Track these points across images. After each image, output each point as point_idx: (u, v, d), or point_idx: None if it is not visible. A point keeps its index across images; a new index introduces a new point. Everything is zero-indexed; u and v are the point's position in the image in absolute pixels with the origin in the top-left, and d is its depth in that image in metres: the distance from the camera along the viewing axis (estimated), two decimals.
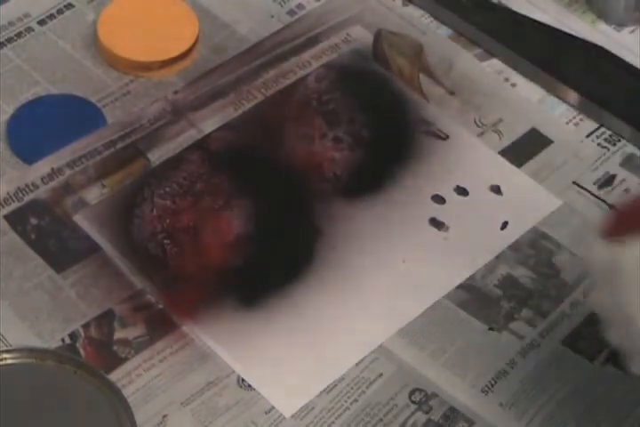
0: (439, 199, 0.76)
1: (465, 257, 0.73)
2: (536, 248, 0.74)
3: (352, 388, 0.68)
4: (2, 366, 0.63)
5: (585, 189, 0.78)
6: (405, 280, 0.72)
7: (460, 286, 0.72)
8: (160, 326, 0.69)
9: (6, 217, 0.72)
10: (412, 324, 0.70)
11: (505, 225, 0.75)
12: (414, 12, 0.86)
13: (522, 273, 0.73)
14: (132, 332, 0.69)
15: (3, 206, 0.73)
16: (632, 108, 0.81)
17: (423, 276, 0.72)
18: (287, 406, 0.67)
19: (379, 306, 0.71)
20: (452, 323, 0.71)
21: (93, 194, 0.74)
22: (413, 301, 0.71)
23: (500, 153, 0.79)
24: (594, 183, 0.78)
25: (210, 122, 0.78)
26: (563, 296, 0.72)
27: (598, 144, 0.80)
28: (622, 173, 0.79)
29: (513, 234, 0.75)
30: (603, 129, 0.81)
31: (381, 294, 0.71)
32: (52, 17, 0.83)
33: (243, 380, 0.67)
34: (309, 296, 0.71)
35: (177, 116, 0.78)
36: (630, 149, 0.80)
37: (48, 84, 0.79)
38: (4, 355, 0.64)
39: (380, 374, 0.69)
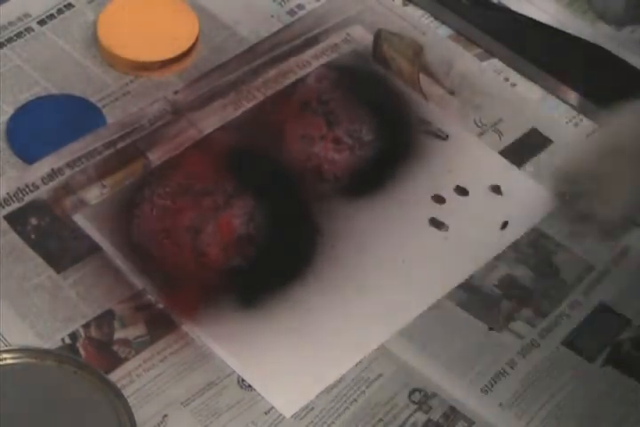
0: (439, 199, 0.76)
1: (465, 257, 0.73)
2: (536, 248, 0.74)
3: (352, 388, 0.68)
4: (2, 366, 0.64)
5: None
6: (405, 280, 0.72)
7: (460, 286, 0.72)
8: (160, 326, 0.69)
9: (6, 217, 0.72)
10: (412, 324, 0.70)
11: (505, 225, 0.75)
12: (414, 12, 0.86)
13: (522, 273, 0.73)
14: (132, 332, 0.69)
15: (3, 206, 0.73)
16: None
17: (423, 276, 0.72)
18: (287, 406, 0.67)
19: (379, 306, 0.71)
20: (452, 323, 0.71)
21: (93, 194, 0.74)
22: (413, 301, 0.71)
23: (500, 153, 0.79)
24: None
25: (210, 122, 0.78)
26: (562, 296, 0.72)
27: None
28: None
29: (513, 234, 0.75)
30: None
31: (381, 293, 0.71)
32: (52, 17, 0.83)
33: (243, 380, 0.67)
34: (309, 296, 0.71)
35: (177, 116, 0.78)
36: None
37: (48, 84, 0.79)
38: (4, 355, 0.64)
39: (380, 374, 0.69)
